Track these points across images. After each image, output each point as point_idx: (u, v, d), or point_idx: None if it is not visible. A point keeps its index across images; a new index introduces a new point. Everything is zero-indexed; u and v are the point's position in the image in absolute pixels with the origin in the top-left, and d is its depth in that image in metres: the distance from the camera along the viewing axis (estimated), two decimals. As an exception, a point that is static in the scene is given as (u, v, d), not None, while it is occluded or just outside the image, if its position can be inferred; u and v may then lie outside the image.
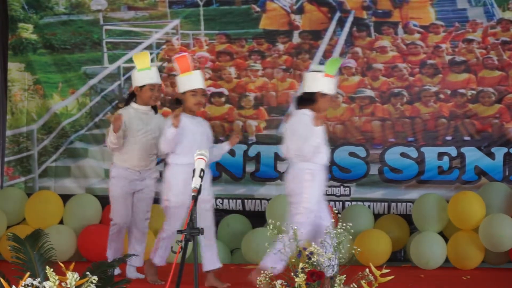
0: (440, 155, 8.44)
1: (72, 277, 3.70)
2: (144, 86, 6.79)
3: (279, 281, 4.40)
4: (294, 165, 6.29)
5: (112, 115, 6.90)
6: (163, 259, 6.61)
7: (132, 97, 6.91)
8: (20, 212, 8.55)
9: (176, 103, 6.67)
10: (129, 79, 9.03)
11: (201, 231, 4.07)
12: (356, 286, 4.40)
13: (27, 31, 9.14)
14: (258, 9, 8.90)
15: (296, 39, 8.81)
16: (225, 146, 6.78)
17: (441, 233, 7.97)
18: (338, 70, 6.63)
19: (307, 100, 6.35)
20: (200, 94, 6.54)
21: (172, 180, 6.46)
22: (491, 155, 8.37)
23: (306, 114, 6.25)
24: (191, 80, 6.50)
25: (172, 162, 6.51)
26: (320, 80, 6.32)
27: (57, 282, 3.68)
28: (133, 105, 6.87)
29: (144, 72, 6.75)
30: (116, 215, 6.88)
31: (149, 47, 9.03)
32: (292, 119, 6.44)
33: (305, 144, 6.11)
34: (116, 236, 6.92)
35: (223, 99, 8.85)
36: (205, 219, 6.32)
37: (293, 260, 4.47)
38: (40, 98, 9.10)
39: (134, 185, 6.87)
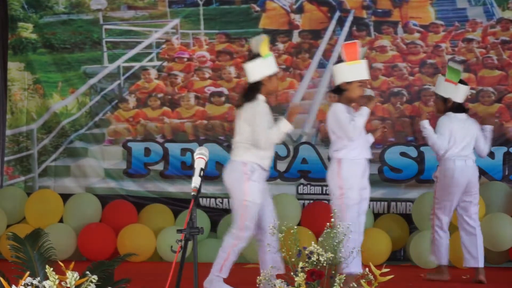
0: (440, 154, 8.44)
1: (72, 276, 3.70)
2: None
3: (279, 281, 4.40)
4: (472, 162, 6.98)
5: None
6: (359, 266, 5.77)
7: (256, 89, 5.89)
8: (20, 211, 8.56)
9: (337, 92, 6.16)
10: (129, 78, 9.03)
11: (200, 230, 4.06)
12: (356, 285, 4.40)
13: (27, 31, 9.14)
14: (258, 8, 8.90)
15: (296, 38, 8.82)
16: (370, 139, 6.44)
17: (440, 233, 7.97)
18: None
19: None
20: (365, 85, 6.28)
21: (351, 177, 6.08)
22: (490, 154, 8.35)
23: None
24: (360, 70, 6.06)
25: (347, 158, 6.07)
26: None
27: (56, 282, 3.68)
28: (260, 96, 5.89)
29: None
30: (251, 225, 5.80)
31: (149, 47, 9.04)
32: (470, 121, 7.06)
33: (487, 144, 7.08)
34: (238, 253, 5.93)
35: (223, 98, 8.86)
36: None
37: (293, 260, 4.47)
38: (40, 98, 9.11)
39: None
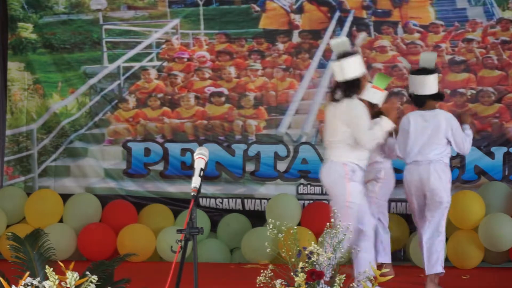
0: (440, 154, 8.43)
1: (71, 276, 3.70)
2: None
3: (279, 281, 4.40)
4: None
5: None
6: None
7: (357, 86, 5.85)
8: (20, 211, 8.56)
9: (441, 98, 6.42)
10: (129, 78, 9.03)
11: (200, 230, 4.06)
12: (356, 285, 4.40)
13: (26, 31, 9.14)
14: (258, 8, 8.90)
15: (295, 38, 8.81)
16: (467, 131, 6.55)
17: (440, 233, 7.96)
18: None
19: None
20: None
21: (449, 181, 6.29)
22: (490, 154, 8.37)
23: None
24: None
25: (446, 162, 6.28)
26: None
27: (56, 282, 3.68)
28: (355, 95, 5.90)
29: None
30: (354, 225, 5.61)
31: (148, 47, 9.04)
32: None
33: None
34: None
35: (223, 98, 8.85)
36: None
37: (293, 260, 4.47)
38: (39, 98, 9.10)
39: None
